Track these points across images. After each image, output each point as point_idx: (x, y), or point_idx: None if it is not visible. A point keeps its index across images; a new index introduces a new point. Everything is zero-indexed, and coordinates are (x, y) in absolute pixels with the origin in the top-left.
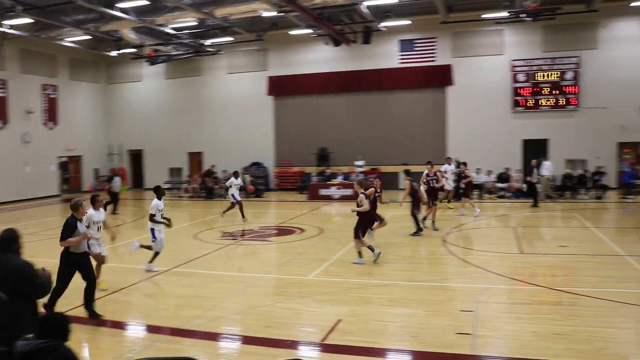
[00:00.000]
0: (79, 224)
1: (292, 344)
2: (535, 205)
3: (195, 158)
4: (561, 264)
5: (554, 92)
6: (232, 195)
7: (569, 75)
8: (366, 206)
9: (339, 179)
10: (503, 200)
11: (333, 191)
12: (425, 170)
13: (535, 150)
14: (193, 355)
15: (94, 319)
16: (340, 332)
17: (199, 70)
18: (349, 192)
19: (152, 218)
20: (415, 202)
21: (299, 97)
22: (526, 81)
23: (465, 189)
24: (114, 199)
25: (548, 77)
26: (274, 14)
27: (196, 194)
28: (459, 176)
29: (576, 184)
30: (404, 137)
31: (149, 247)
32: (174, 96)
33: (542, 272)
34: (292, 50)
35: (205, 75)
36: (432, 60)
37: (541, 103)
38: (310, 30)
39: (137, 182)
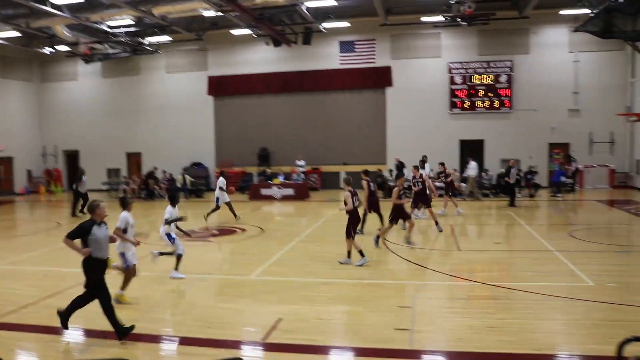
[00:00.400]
0: (96, 227)
1: (233, 344)
2: (512, 204)
3: (134, 159)
4: (496, 260)
5: (489, 94)
6: (217, 198)
7: (503, 78)
8: (350, 205)
9: (280, 179)
10: (441, 199)
11: (274, 191)
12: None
13: (471, 150)
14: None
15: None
16: (281, 330)
17: (137, 70)
18: (290, 191)
19: (167, 222)
20: (370, 203)
21: (240, 97)
22: (462, 83)
23: (446, 188)
24: (85, 199)
25: (483, 79)
26: (214, 13)
27: (135, 195)
28: (439, 175)
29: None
30: (344, 137)
31: (169, 253)
32: (112, 96)
33: (478, 268)
34: (233, 50)
35: (143, 75)
36: (372, 62)
37: (477, 105)
38: (250, 31)
39: (73, 183)
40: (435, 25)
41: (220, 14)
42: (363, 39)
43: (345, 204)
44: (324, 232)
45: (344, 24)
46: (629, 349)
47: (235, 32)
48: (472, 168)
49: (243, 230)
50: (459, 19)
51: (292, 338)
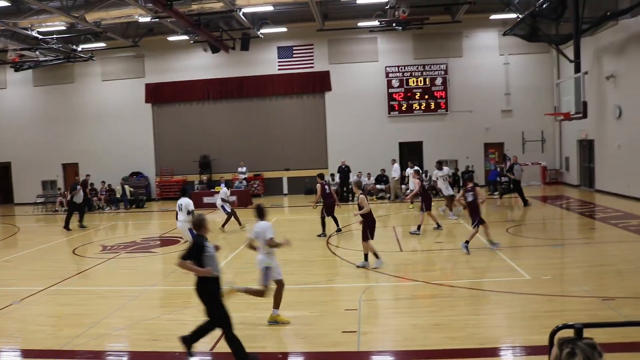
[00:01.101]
0: (207, 244)
1: (179, 356)
2: (525, 204)
3: (70, 169)
4: (438, 258)
5: (425, 96)
6: (223, 207)
7: (438, 81)
8: (367, 207)
9: (222, 186)
10: (383, 201)
11: (216, 199)
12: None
13: (410, 152)
14: None
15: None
16: None
17: (71, 77)
18: (232, 199)
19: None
20: (327, 206)
21: (179, 104)
22: (400, 86)
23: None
24: (81, 211)
25: (419, 82)
26: (150, 19)
27: None
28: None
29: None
30: (285, 143)
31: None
32: (44, 104)
33: (421, 267)
34: (170, 56)
35: (78, 82)
36: (310, 67)
37: (414, 107)
38: (187, 37)
39: (6, 197)
40: (372, 29)
41: (156, 20)
42: (301, 44)
43: (361, 207)
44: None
45: (282, 29)
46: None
47: (172, 38)
48: (395, 170)
49: (186, 240)
50: (394, 24)
51: None
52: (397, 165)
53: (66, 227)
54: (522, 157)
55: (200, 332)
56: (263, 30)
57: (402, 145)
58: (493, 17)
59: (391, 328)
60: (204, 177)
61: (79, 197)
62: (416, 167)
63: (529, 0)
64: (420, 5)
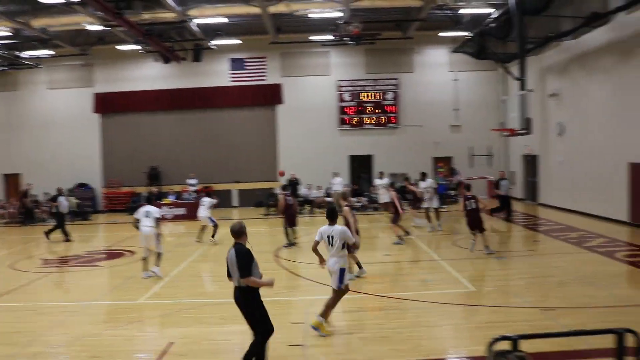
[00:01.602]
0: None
1: None
2: (508, 218)
3: (12, 180)
4: (386, 271)
5: (376, 111)
6: (210, 218)
7: (390, 95)
8: (351, 220)
9: (171, 199)
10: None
11: (165, 211)
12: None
13: (361, 165)
14: None
15: None
16: (172, 354)
17: (15, 85)
18: (181, 211)
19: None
20: (288, 217)
21: (129, 115)
22: (351, 100)
23: (412, 201)
24: (61, 221)
25: (371, 97)
26: (100, 28)
27: (14, 220)
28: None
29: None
30: (236, 155)
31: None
32: None
33: (369, 280)
34: (120, 66)
35: (22, 90)
36: (263, 79)
37: (365, 121)
38: (138, 46)
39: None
40: (324, 43)
41: (106, 28)
42: (254, 56)
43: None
44: (216, 252)
45: (235, 41)
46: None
47: (122, 47)
48: (337, 183)
49: (132, 252)
50: (346, 39)
51: None
52: (339, 179)
53: (66, 239)
54: (470, 171)
55: (258, 352)
56: (216, 42)
57: (352, 158)
58: (443, 34)
59: (337, 341)
60: (153, 189)
61: (64, 208)
62: (385, 179)
63: (478, 19)
64: (372, 21)
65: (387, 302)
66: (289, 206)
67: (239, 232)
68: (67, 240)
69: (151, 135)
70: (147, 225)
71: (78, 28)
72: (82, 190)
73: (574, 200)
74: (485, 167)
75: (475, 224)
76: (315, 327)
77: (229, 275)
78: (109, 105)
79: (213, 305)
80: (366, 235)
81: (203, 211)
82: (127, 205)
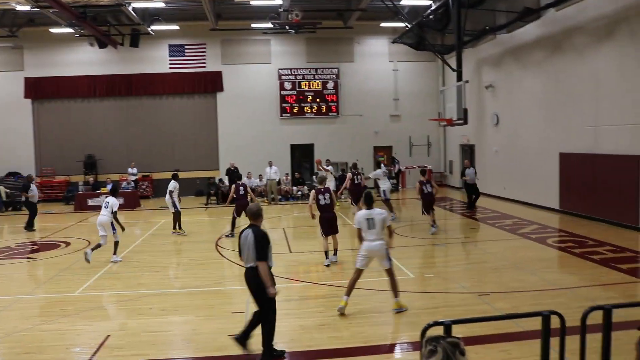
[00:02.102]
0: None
1: None
2: (471, 207)
3: None
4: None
5: (317, 100)
6: (174, 203)
7: (330, 85)
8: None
9: (109, 188)
10: (274, 202)
11: (102, 200)
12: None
13: (302, 154)
14: None
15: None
16: (109, 348)
17: None
18: (119, 200)
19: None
20: (239, 206)
21: (63, 101)
22: (292, 89)
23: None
24: (34, 211)
25: (312, 86)
26: (29, 8)
27: None
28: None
29: (339, 185)
30: (176, 143)
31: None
32: None
33: (310, 268)
34: (54, 49)
35: None
36: (202, 67)
37: (306, 110)
38: (72, 30)
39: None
40: (265, 31)
41: (37, 9)
42: (193, 43)
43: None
44: (156, 242)
45: (174, 27)
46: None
47: (55, 30)
48: (275, 172)
49: (68, 243)
50: (287, 27)
51: (121, 355)
52: (275, 168)
53: (29, 228)
54: (409, 160)
55: (252, 326)
56: (154, 27)
57: (293, 147)
58: (383, 24)
59: (278, 329)
60: (90, 178)
61: (34, 197)
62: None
63: (417, 11)
64: (313, 10)
65: (328, 289)
66: (241, 196)
67: (256, 214)
68: (29, 229)
69: (87, 123)
70: (103, 214)
71: (5, 8)
72: (13, 179)
73: (508, 189)
74: (424, 157)
75: (430, 205)
76: (398, 309)
77: (241, 255)
78: (41, 90)
79: (152, 296)
80: (307, 224)
81: (169, 196)
82: (62, 194)
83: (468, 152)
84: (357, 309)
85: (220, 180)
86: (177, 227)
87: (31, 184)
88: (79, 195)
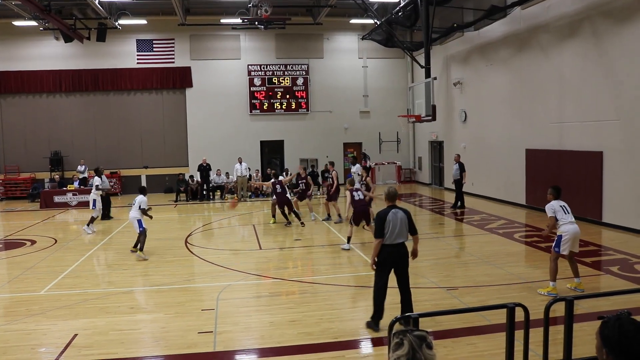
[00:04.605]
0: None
1: None
2: (459, 206)
3: None
4: (296, 256)
5: (287, 96)
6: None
7: (300, 81)
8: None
9: (75, 185)
10: (243, 199)
11: (69, 197)
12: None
13: (272, 150)
14: None
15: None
16: (76, 347)
17: None
18: (87, 197)
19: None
20: (280, 202)
21: (27, 96)
22: (262, 85)
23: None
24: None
25: (281, 82)
26: None
27: None
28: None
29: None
30: (144, 140)
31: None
32: None
33: (279, 265)
34: (17, 43)
35: None
36: (171, 62)
37: (276, 106)
38: (36, 23)
39: None
40: (234, 27)
41: None
42: (162, 38)
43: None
44: (123, 239)
45: (141, 21)
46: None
47: (18, 23)
48: (245, 169)
49: (33, 242)
50: (256, 22)
51: (88, 354)
52: (244, 164)
53: None
54: (379, 156)
55: (408, 302)
56: (121, 21)
57: (263, 143)
58: (353, 21)
59: (248, 326)
60: (56, 175)
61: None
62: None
63: (386, 8)
64: (282, 6)
65: (298, 286)
66: (279, 194)
67: (395, 196)
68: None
69: (53, 118)
70: (131, 213)
71: None
72: None
73: (476, 185)
74: (394, 153)
75: (362, 216)
76: (576, 287)
77: (382, 235)
78: (3, 85)
79: (120, 294)
80: (278, 221)
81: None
82: (27, 192)
83: (437, 148)
84: (327, 305)
85: (191, 176)
86: (141, 248)
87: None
88: (45, 193)
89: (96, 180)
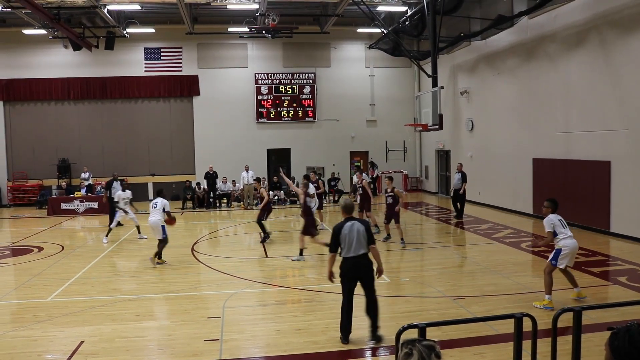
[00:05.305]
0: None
1: None
2: (456, 216)
3: None
4: (302, 264)
5: (293, 104)
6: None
7: (307, 89)
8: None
9: (83, 192)
10: (250, 207)
11: (76, 205)
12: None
13: (278, 159)
14: None
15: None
16: (83, 354)
17: None
18: (94, 205)
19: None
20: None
21: (36, 103)
22: (268, 94)
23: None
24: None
25: (288, 90)
26: (1, 9)
27: None
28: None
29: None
30: (151, 147)
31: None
32: None
33: (286, 273)
34: (27, 51)
35: None
36: (179, 70)
37: (282, 115)
38: (46, 31)
39: None
40: (242, 35)
41: (9, 10)
42: (169, 46)
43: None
44: (130, 246)
45: (149, 30)
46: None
47: (28, 31)
48: (251, 176)
49: (40, 248)
50: (264, 31)
51: None
52: (251, 172)
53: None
54: (386, 165)
55: (375, 316)
56: (129, 30)
57: (270, 151)
58: (360, 30)
59: (254, 334)
60: (63, 182)
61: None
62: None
63: (393, 17)
64: (290, 15)
65: (304, 294)
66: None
67: (351, 209)
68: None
69: (61, 126)
70: (154, 216)
71: None
72: None
73: (483, 194)
74: (400, 162)
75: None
76: (578, 297)
77: (336, 249)
78: (13, 92)
79: (127, 302)
80: (284, 228)
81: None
82: (35, 199)
83: (444, 157)
84: (333, 313)
85: (198, 184)
86: (159, 255)
87: (114, 181)
88: (52, 200)
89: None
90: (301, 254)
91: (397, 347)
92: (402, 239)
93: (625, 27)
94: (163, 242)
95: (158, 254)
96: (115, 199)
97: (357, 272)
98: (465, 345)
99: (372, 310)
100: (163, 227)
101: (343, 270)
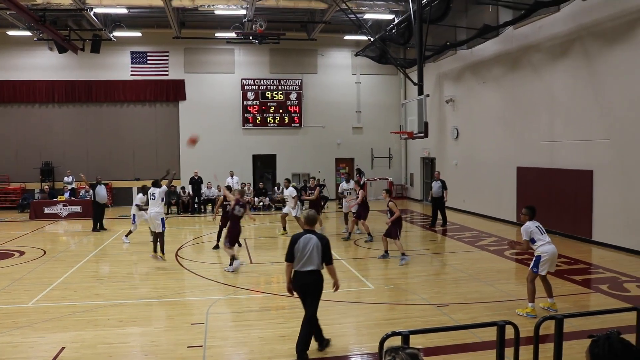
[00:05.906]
0: None
1: None
2: (432, 224)
3: None
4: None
5: (280, 110)
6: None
7: (293, 96)
8: (397, 212)
9: (66, 196)
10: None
11: (59, 208)
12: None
13: (264, 165)
14: None
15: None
16: None
17: None
18: (77, 209)
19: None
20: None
21: (20, 106)
22: (255, 99)
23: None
24: (100, 212)
25: (275, 96)
26: None
27: None
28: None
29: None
30: (136, 151)
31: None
32: None
33: (270, 279)
34: (10, 52)
35: None
36: (165, 74)
37: (269, 121)
38: (30, 33)
39: None
40: (229, 41)
41: None
42: (156, 50)
43: (392, 213)
44: (113, 251)
45: (136, 34)
46: (388, 343)
47: (12, 33)
48: (236, 182)
49: (22, 252)
50: (251, 37)
51: None
52: (236, 178)
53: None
54: (371, 172)
55: (318, 330)
56: (116, 33)
57: (255, 157)
58: (347, 37)
59: (238, 341)
60: (46, 186)
61: (102, 197)
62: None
63: (380, 25)
64: (277, 21)
65: (288, 301)
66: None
67: (314, 221)
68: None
69: (44, 129)
70: (154, 210)
71: None
72: None
73: (468, 202)
74: (386, 169)
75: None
76: (549, 307)
77: (292, 259)
78: None
79: (109, 307)
80: (268, 235)
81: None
82: (17, 202)
83: (429, 164)
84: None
85: (182, 188)
86: (162, 249)
87: (98, 185)
88: (35, 203)
89: (138, 199)
90: (231, 263)
91: (381, 355)
92: (369, 233)
93: (608, 39)
94: (162, 235)
95: (161, 248)
96: (138, 202)
97: (302, 287)
98: (449, 352)
99: (305, 327)
100: (162, 219)
101: (293, 283)
